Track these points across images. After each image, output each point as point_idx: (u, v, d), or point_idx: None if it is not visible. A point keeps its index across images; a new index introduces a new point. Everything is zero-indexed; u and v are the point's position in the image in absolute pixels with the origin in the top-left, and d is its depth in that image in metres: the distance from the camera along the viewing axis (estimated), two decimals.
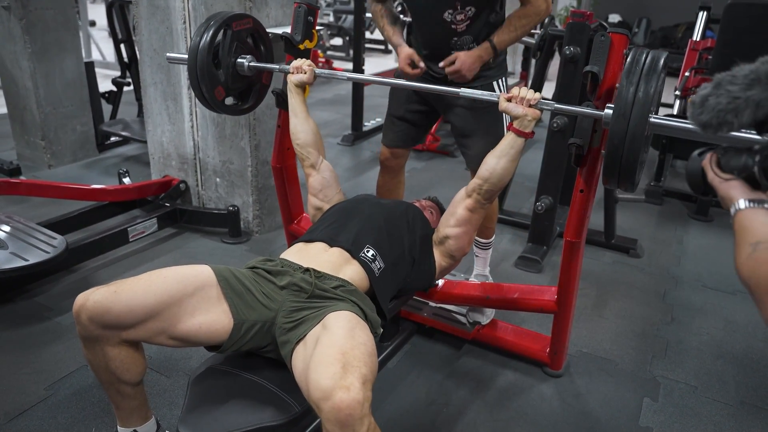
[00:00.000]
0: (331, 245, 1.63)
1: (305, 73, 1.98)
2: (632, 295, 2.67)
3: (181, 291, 1.37)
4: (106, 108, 4.33)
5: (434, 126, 4.53)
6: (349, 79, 2.10)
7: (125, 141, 4.27)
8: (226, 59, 2.02)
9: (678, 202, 3.82)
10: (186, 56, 2.00)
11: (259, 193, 3.00)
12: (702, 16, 4.65)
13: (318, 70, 2.01)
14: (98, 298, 1.32)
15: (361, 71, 4.74)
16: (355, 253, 1.60)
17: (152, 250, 2.85)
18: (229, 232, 2.99)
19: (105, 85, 4.45)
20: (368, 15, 5.62)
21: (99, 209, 2.96)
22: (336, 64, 7.84)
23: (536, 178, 2.97)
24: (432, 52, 2.16)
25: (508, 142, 1.69)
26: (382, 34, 2.38)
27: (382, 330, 1.59)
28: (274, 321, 1.44)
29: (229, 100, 2.13)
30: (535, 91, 1.69)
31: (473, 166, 2.33)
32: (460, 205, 1.77)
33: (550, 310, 1.96)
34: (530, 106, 1.66)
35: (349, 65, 7.76)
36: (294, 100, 2.00)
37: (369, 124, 5.17)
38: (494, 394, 2.01)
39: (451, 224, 1.78)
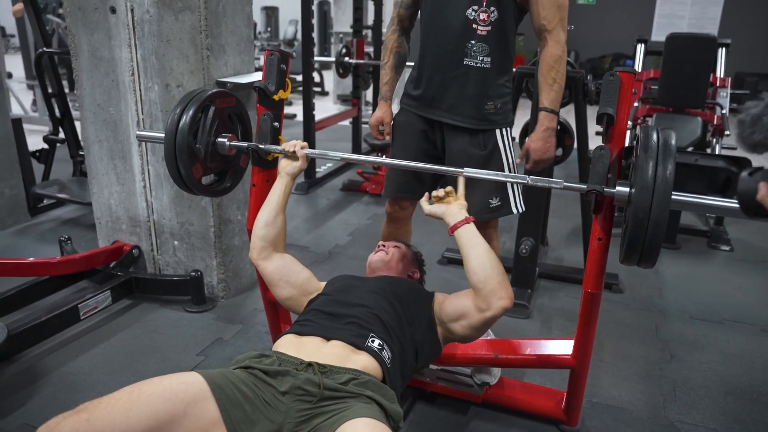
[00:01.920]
0: (328, 338, 1.45)
1: (298, 159, 1.85)
2: (626, 334, 2.59)
3: (170, 412, 1.13)
4: (37, 167, 3.97)
5: None
6: (342, 159, 1.94)
7: (60, 203, 3.90)
8: (205, 137, 1.88)
9: None
10: (160, 135, 1.88)
11: (223, 255, 2.76)
12: (640, 49, 4.82)
13: (308, 151, 1.88)
14: (67, 430, 1.05)
15: (311, 113, 4.59)
16: (360, 344, 1.42)
17: (107, 326, 2.54)
18: (192, 300, 2.72)
19: (32, 142, 4.08)
20: (316, 59, 5.54)
21: (40, 284, 2.63)
22: None
23: (507, 218, 2.87)
24: (438, 73, 2.04)
25: (460, 242, 1.63)
26: (381, 71, 2.31)
27: (403, 423, 1.41)
28: None
29: (205, 180, 1.97)
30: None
31: (483, 217, 2.19)
32: (471, 311, 1.61)
33: (567, 366, 1.83)
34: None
35: (288, 110, 7.65)
36: (279, 189, 1.86)
37: (321, 170, 5.02)
38: None
39: (463, 328, 1.65)
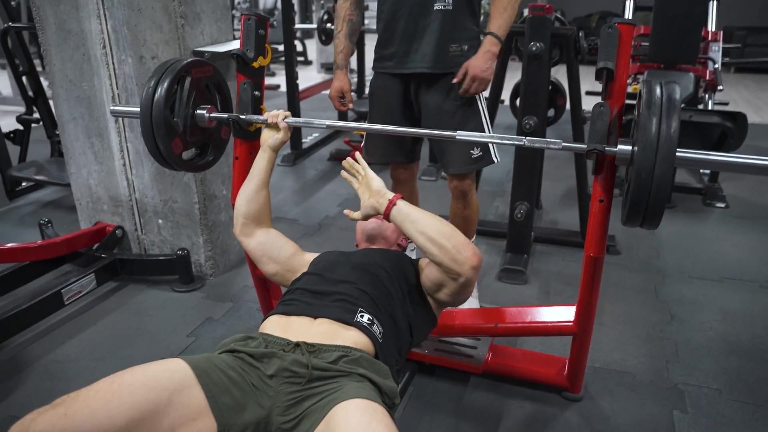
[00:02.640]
0: (315, 317, 1.38)
1: (280, 130, 1.75)
2: (625, 297, 2.55)
3: (154, 401, 1.06)
4: (12, 150, 3.82)
5: None
6: (329, 127, 1.84)
7: (39, 185, 3.78)
8: (183, 110, 1.78)
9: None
10: (136, 109, 1.77)
11: (209, 232, 2.67)
12: (629, 5, 4.70)
13: (292, 120, 1.78)
14: (43, 427, 0.98)
15: (295, 82, 4.45)
16: (348, 320, 1.35)
17: (93, 311, 2.46)
18: (179, 279, 2.64)
19: (5, 124, 3.93)
20: (297, 26, 5.37)
21: (21, 270, 2.53)
22: None
23: (498, 182, 2.83)
24: (410, 24, 2.05)
25: (398, 226, 1.51)
26: (334, 41, 2.26)
27: (399, 399, 1.35)
28: (269, 420, 1.17)
29: (186, 155, 1.87)
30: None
31: (453, 171, 2.17)
32: (446, 279, 1.49)
33: (570, 332, 1.78)
34: None
35: (272, 80, 7.47)
36: (261, 163, 1.75)
37: (308, 141, 4.90)
38: (517, 430, 1.81)
39: (446, 295, 1.53)
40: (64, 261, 2.68)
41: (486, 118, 2.14)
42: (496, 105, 3.02)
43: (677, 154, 1.30)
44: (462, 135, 1.61)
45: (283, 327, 1.36)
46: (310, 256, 1.74)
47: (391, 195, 1.51)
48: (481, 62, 1.97)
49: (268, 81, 7.53)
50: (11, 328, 2.19)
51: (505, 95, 3.64)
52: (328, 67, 7.92)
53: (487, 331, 1.90)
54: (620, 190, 1.72)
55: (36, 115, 3.85)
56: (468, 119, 2.10)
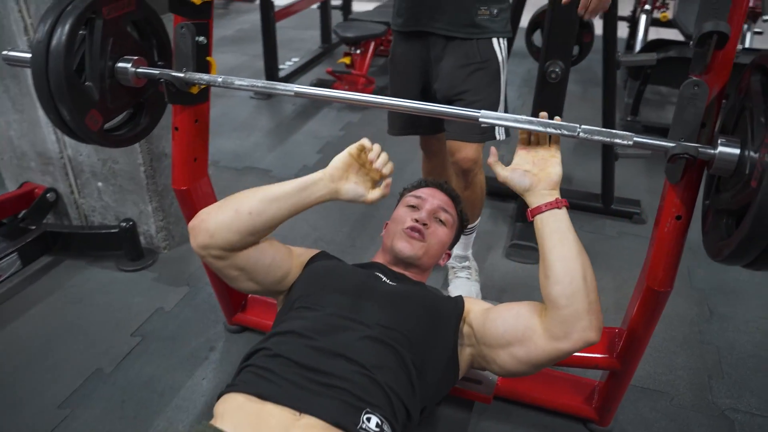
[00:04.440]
0: (301, 411, 0.95)
1: (373, 183, 1.24)
2: None
3: None
4: None
5: (365, 64, 3.79)
6: (347, 100, 1.29)
7: None
8: (97, 66, 1.28)
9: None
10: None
11: (160, 198, 2.20)
12: None
13: (301, 89, 1.29)
14: None
15: (270, 4, 3.81)
16: (348, 424, 0.94)
17: (18, 298, 2.03)
18: (126, 255, 2.19)
19: None
20: None
21: None
22: None
23: (507, 145, 2.33)
24: None
25: (544, 233, 1.13)
26: None
27: None
28: None
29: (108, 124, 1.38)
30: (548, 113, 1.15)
31: (456, 136, 1.79)
32: (536, 336, 1.12)
33: (610, 368, 1.40)
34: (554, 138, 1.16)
35: None
36: (299, 198, 1.19)
37: (286, 67, 4.31)
38: None
39: (515, 359, 1.15)
40: None
41: (504, 86, 1.77)
42: (511, 42, 2.48)
43: None
44: (486, 117, 1.14)
45: (252, 422, 0.93)
46: (302, 257, 1.34)
47: (558, 195, 1.16)
48: None
49: None
50: None
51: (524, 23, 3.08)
52: None
53: None
54: None
55: None
56: (484, 83, 1.73)
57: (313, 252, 1.38)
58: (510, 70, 2.01)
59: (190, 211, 1.54)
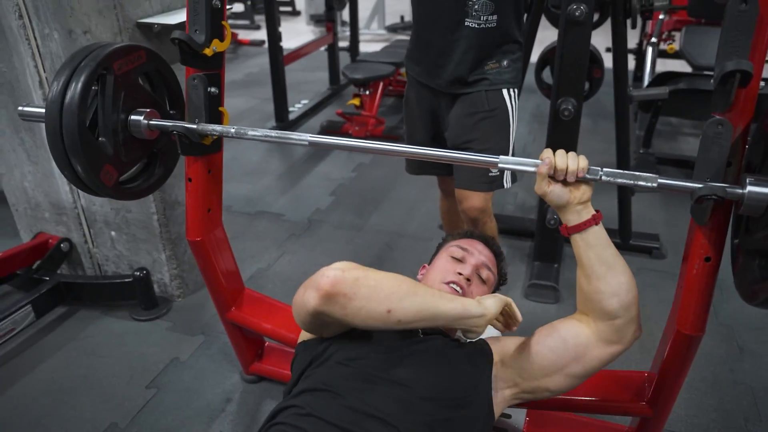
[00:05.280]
0: None
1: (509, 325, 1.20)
2: None
3: None
4: None
5: (375, 105, 3.81)
6: (357, 149, 1.31)
7: None
8: (110, 121, 1.29)
9: (675, 170, 3.29)
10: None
11: (174, 246, 2.19)
12: None
13: (314, 139, 1.28)
14: None
15: (278, 43, 3.87)
16: None
17: (31, 351, 2.00)
18: (140, 304, 2.17)
19: None
20: None
21: None
22: (241, 35, 6.81)
23: None
24: (436, 37, 1.70)
25: (585, 251, 1.11)
26: None
27: None
28: None
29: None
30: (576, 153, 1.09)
31: (463, 185, 1.75)
32: (590, 348, 1.15)
33: (642, 415, 1.34)
34: (578, 179, 1.07)
35: (257, 35, 6.80)
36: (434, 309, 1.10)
37: (296, 109, 4.35)
38: None
39: (567, 377, 1.16)
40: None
41: (513, 133, 1.78)
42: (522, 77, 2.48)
43: None
44: (506, 162, 1.12)
45: None
46: None
47: (594, 210, 1.13)
48: None
49: (252, 35, 6.87)
50: None
51: (534, 57, 3.10)
52: (318, 20, 7.20)
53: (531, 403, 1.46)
54: None
55: None
56: (493, 131, 1.74)
57: None
58: (520, 106, 2.00)
59: (205, 263, 1.53)
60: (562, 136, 2.06)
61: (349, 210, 2.93)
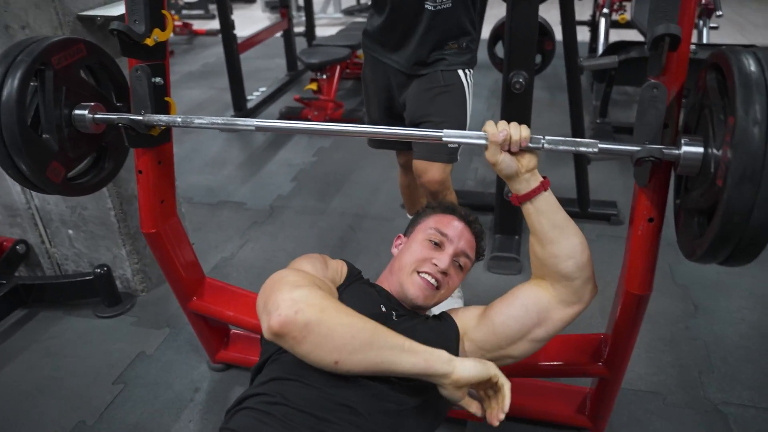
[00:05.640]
0: None
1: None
2: None
3: None
4: None
5: (333, 89, 3.79)
6: (316, 132, 1.26)
7: None
8: (52, 116, 1.25)
9: (631, 138, 3.35)
10: None
11: (134, 241, 2.16)
12: None
13: (264, 125, 1.26)
14: None
15: (231, 32, 3.81)
16: None
17: None
18: (103, 301, 2.14)
19: None
20: None
21: None
22: (196, 25, 6.66)
23: None
24: (399, 22, 1.75)
25: (537, 218, 1.14)
26: None
27: None
28: None
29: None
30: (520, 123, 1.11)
31: (421, 155, 1.79)
32: (551, 311, 1.18)
33: (599, 375, 1.39)
34: (522, 148, 1.09)
35: (212, 24, 6.67)
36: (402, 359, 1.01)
37: (254, 97, 4.30)
38: None
39: (531, 342, 1.20)
40: None
41: (469, 106, 1.83)
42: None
43: None
44: (450, 136, 1.13)
45: None
46: (337, 270, 1.30)
47: (541, 177, 1.14)
48: None
49: (208, 25, 6.73)
50: None
51: (485, 32, 3.11)
52: (274, 6, 7.08)
53: None
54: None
55: None
56: (450, 105, 1.78)
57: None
58: (477, 83, 2.03)
59: (162, 254, 1.52)
60: (516, 109, 2.08)
61: (311, 194, 2.92)
